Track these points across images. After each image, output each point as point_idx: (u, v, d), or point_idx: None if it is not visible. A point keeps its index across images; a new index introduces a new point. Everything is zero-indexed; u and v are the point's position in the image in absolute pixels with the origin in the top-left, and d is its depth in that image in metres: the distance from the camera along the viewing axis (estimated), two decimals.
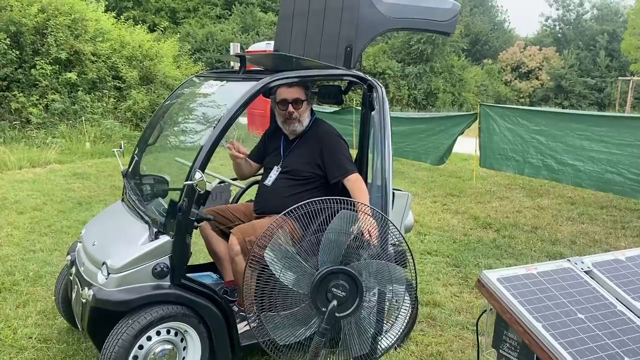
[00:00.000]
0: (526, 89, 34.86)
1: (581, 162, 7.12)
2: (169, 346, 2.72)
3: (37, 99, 11.44)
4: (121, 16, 16.27)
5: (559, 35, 40.64)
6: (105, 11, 14.56)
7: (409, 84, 28.71)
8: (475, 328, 3.49)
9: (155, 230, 2.76)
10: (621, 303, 1.88)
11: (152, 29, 18.87)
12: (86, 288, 2.75)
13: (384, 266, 1.54)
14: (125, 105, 12.56)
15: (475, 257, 5.14)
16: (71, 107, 11.77)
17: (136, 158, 3.43)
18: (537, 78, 35.26)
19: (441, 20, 3.38)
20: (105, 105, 12.35)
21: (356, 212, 1.58)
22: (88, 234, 3.12)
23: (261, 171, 3.37)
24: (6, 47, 11.11)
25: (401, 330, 1.84)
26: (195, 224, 2.74)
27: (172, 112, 3.49)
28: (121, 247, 2.78)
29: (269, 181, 3.10)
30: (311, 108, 3.16)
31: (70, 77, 11.83)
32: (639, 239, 5.84)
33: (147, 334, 2.63)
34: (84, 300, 2.74)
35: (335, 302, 1.46)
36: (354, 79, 3.07)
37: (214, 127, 2.71)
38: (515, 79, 35.66)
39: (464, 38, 33.45)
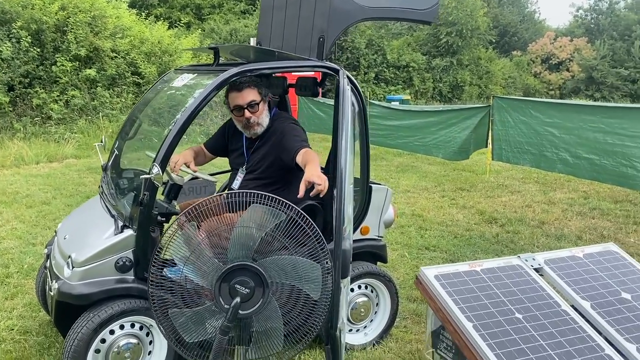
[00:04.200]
0: (556, 80, 33.96)
1: (596, 156, 6.87)
2: (134, 340, 2.72)
3: (57, 95, 11.68)
4: (146, 13, 16.44)
5: (592, 25, 39.43)
6: (130, 7, 14.74)
7: (433, 76, 28.29)
8: None
9: (121, 224, 2.77)
10: (567, 302, 1.78)
11: (174, 25, 19.06)
12: (54, 281, 2.77)
13: (295, 262, 1.49)
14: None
15: (474, 252, 5.01)
16: (90, 103, 11.98)
17: (116, 152, 3.45)
18: (567, 70, 34.31)
19: (420, 9, 3.28)
20: (124, 100, 12.54)
21: (277, 207, 1.53)
22: (62, 228, 3.15)
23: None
24: (28, 45, 11.36)
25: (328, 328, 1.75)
26: (162, 218, 2.73)
27: (149, 105, 3.49)
28: (87, 240, 2.79)
29: (235, 185, 3.04)
30: (269, 103, 3.07)
31: (89, 74, 12.04)
32: None
33: (110, 328, 2.63)
34: (51, 293, 2.77)
35: (238, 299, 1.42)
36: (324, 70, 3.00)
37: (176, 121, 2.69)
38: (545, 70, 34.77)
39: (492, 30, 32.74)
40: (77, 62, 12.10)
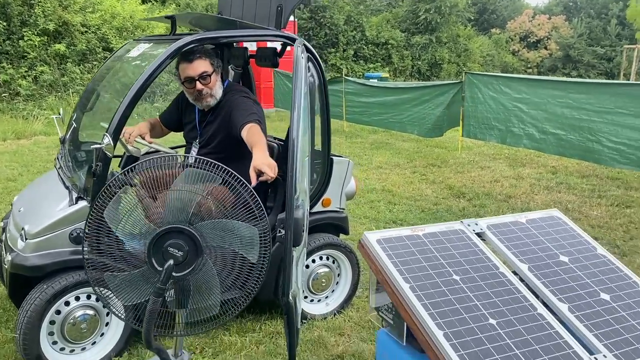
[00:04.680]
0: (534, 58, 34.16)
1: (563, 131, 6.97)
2: (91, 312, 2.72)
3: (25, 71, 11.41)
4: None
5: (570, 3, 39.58)
6: None
7: (412, 54, 28.24)
8: None
9: (75, 195, 2.74)
10: (506, 266, 1.82)
11: (148, 0, 18.61)
12: (8, 254, 2.75)
13: (231, 226, 1.49)
14: None
15: None
16: (60, 79, 11.73)
17: (74, 124, 3.40)
18: (545, 48, 34.51)
19: None
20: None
21: (211, 170, 1.52)
22: (18, 200, 3.11)
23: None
24: None
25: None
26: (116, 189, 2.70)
27: (106, 76, 3.43)
28: (41, 212, 2.76)
29: (191, 159, 3.00)
30: (222, 75, 3.02)
31: (59, 49, 11.76)
32: (614, 208, 5.74)
33: (65, 299, 2.62)
34: (6, 266, 2.74)
35: (171, 262, 1.42)
36: (281, 39, 2.97)
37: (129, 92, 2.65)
38: (523, 48, 34.93)
39: (471, 7, 32.68)
40: (46, 37, 11.81)
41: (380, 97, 10.23)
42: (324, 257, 3.38)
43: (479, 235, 1.94)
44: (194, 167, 1.50)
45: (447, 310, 1.59)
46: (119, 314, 1.66)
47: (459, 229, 1.94)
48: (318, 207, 3.38)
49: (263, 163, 2.16)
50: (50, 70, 11.63)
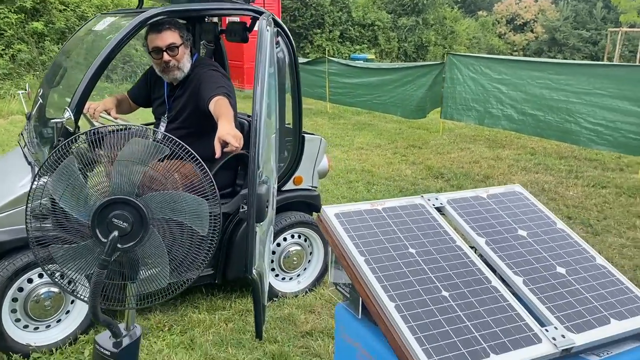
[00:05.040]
0: (520, 41, 34.19)
1: (541, 112, 7.00)
2: (55, 289, 2.69)
3: (2, 49, 11.17)
4: None
5: None
6: None
7: (399, 36, 28.11)
8: None
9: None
10: (464, 239, 1.82)
11: None
12: None
13: (180, 198, 1.47)
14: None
15: None
16: (38, 58, 11.51)
17: (40, 100, 3.33)
18: (531, 31, 34.52)
19: None
20: None
21: (161, 141, 1.49)
22: None
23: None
24: None
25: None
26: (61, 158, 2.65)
27: (73, 50, 3.36)
28: (2, 189, 2.71)
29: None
30: (191, 49, 2.97)
31: (36, 27, 11.52)
32: (589, 188, 5.79)
33: (27, 276, 2.59)
34: None
35: (116, 233, 1.40)
36: (248, 13, 2.92)
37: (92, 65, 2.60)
38: (510, 31, 34.92)
39: None
40: (23, 15, 11.55)
41: (363, 78, 10.18)
42: (296, 236, 3.37)
43: (438, 209, 1.94)
44: (143, 137, 1.47)
45: (400, 282, 1.58)
46: (66, 287, 1.63)
47: (419, 203, 1.93)
48: (290, 185, 3.37)
49: (228, 133, 2.13)
50: (27, 48, 11.39)
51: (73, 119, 2.43)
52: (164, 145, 1.47)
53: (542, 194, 5.58)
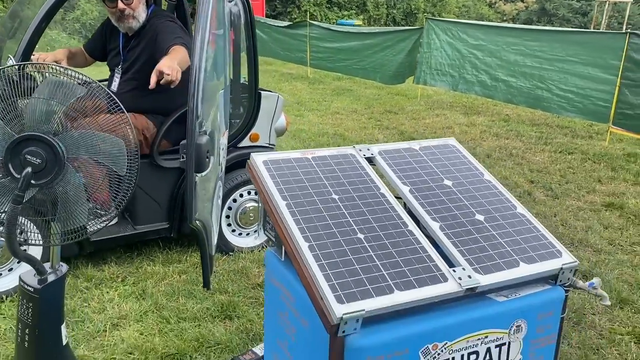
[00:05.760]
0: (510, 11, 33.94)
1: (514, 78, 7.04)
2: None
3: None
4: None
5: None
6: None
7: (387, 2, 27.75)
8: None
9: None
10: (389, 188, 1.88)
11: None
12: None
13: (97, 137, 1.50)
14: (73, 15, 12.08)
15: None
16: None
17: None
18: (522, 0, 34.24)
19: None
20: None
21: (74, 80, 1.52)
22: None
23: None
24: None
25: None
26: None
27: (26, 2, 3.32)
28: None
29: (114, 86, 2.95)
30: (146, 0, 2.95)
31: None
32: (556, 154, 5.88)
33: None
34: None
35: (29, 169, 1.43)
36: None
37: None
38: (500, 0, 34.61)
39: None
40: None
41: (344, 42, 10.11)
42: (252, 192, 3.42)
43: (369, 160, 1.99)
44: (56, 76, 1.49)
45: (318, 225, 1.64)
46: None
47: (350, 153, 1.98)
48: (246, 142, 3.40)
49: (165, 64, 2.15)
50: (4, 7, 11.15)
51: (16, 66, 2.42)
52: (80, 84, 1.49)
53: (509, 158, 5.66)
